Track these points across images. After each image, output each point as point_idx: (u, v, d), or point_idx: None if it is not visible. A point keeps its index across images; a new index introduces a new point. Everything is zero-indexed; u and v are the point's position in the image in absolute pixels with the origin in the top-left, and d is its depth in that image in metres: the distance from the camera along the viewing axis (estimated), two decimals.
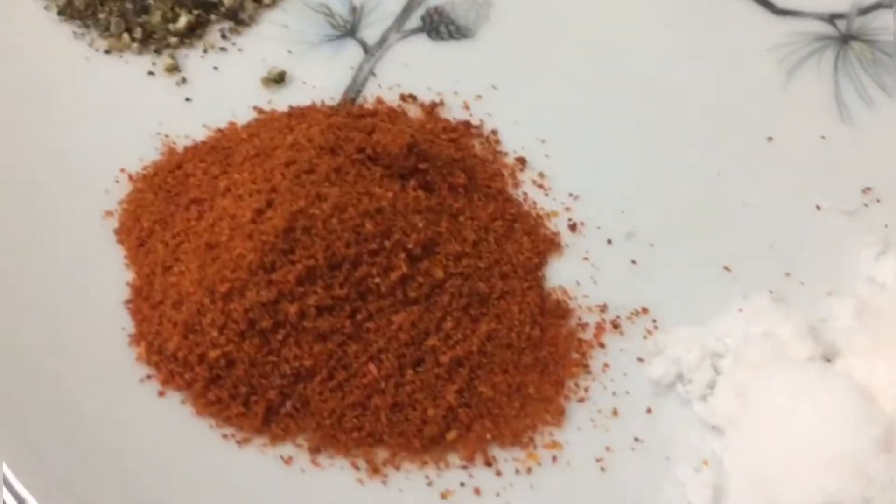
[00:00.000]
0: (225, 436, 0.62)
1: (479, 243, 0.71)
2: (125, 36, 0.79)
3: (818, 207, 0.76)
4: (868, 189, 0.77)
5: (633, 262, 0.73)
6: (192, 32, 0.81)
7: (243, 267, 0.62)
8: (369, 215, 0.66)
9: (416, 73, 0.81)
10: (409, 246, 0.66)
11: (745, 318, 0.68)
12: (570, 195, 0.76)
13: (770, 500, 0.58)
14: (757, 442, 0.60)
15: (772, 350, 0.63)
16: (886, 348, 0.60)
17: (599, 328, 0.70)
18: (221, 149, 0.71)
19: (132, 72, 0.79)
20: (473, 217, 0.72)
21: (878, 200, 0.76)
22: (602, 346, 0.69)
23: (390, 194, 0.67)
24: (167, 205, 0.68)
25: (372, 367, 0.63)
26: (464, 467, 0.64)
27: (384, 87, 0.80)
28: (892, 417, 0.59)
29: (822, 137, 0.80)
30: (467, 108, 0.80)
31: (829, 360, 0.64)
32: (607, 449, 0.65)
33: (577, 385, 0.67)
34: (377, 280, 0.65)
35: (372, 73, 0.81)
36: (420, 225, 0.68)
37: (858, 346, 0.62)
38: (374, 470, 0.62)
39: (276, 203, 0.64)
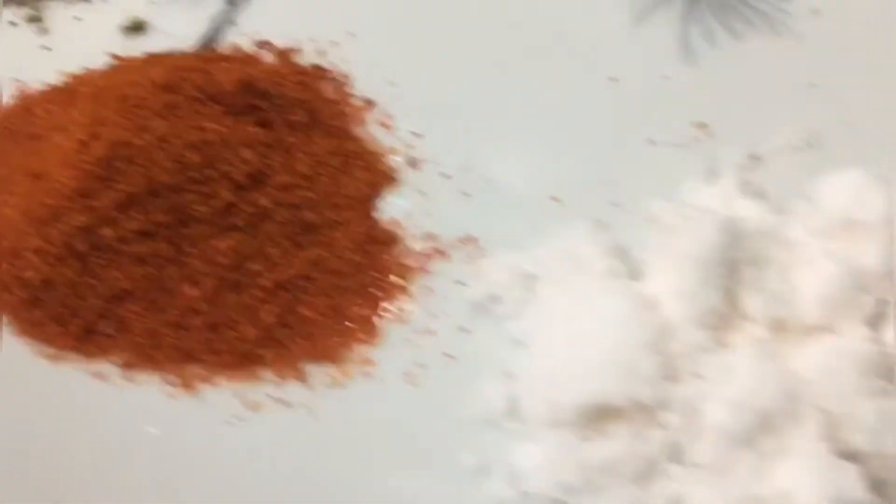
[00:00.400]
0: (42, 354, 0.66)
1: (313, 177, 0.74)
2: None
3: (651, 142, 0.80)
4: (702, 124, 0.80)
5: (466, 194, 0.77)
6: None
7: (62, 193, 0.66)
8: (195, 147, 0.69)
9: (275, 22, 0.84)
10: (236, 177, 0.70)
11: (561, 242, 0.71)
12: (413, 134, 0.80)
13: (552, 403, 0.61)
14: (547, 352, 0.63)
15: (574, 267, 0.66)
16: (674, 260, 0.63)
17: (425, 255, 0.73)
18: (69, 91, 0.75)
19: None
20: (310, 152, 0.75)
21: (710, 135, 0.80)
22: (426, 271, 0.73)
23: (219, 128, 0.71)
24: (9, 142, 0.72)
25: (190, 288, 0.67)
26: (276, 383, 0.67)
27: (243, 36, 0.84)
28: (667, 322, 0.62)
29: (665, 77, 0.83)
30: (323, 54, 0.84)
31: (634, 279, 0.68)
32: (418, 365, 0.69)
33: (397, 307, 0.71)
34: (201, 208, 0.68)
35: (232, 21, 0.85)
36: (249, 157, 0.71)
37: (655, 262, 0.65)
38: (186, 385, 0.66)
39: (102, 134, 0.68)
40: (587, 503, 0.60)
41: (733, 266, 0.63)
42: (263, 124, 0.74)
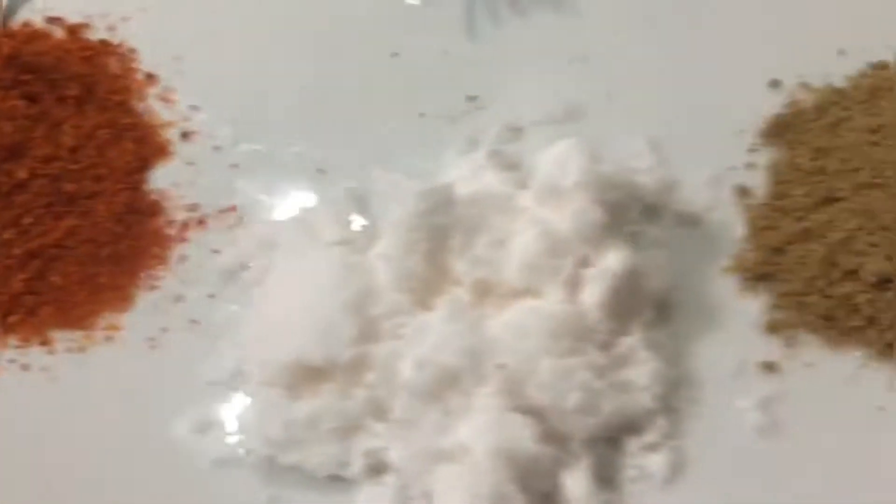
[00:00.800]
0: None
1: (78, 149, 0.76)
2: None
3: (422, 115, 0.82)
4: (473, 97, 0.82)
5: (235, 165, 0.79)
6: None
7: None
8: None
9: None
10: None
11: (305, 212, 0.73)
12: (192, 107, 0.82)
13: (263, 364, 0.64)
14: (264, 316, 0.66)
15: (308, 236, 0.69)
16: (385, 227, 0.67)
17: (185, 225, 0.75)
18: None
19: None
20: (78, 125, 0.77)
21: (479, 108, 0.82)
22: (185, 240, 0.75)
23: None
24: None
25: None
26: (18, 347, 0.70)
27: (37, 13, 0.86)
28: (371, 286, 0.65)
29: (445, 53, 0.86)
30: (113, 29, 0.86)
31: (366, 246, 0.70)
32: (163, 330, 0.71)
33: (151, 275, 0.73)
34: None
35: None
36: (7, 130, 0.74)
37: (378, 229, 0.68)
38: None
39: None
40: (292, 457, 0.63)
41: (443, 233, 0.65)
42: (30, 98, 0.77)
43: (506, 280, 0.64)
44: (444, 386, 0.61)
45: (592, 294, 0.64)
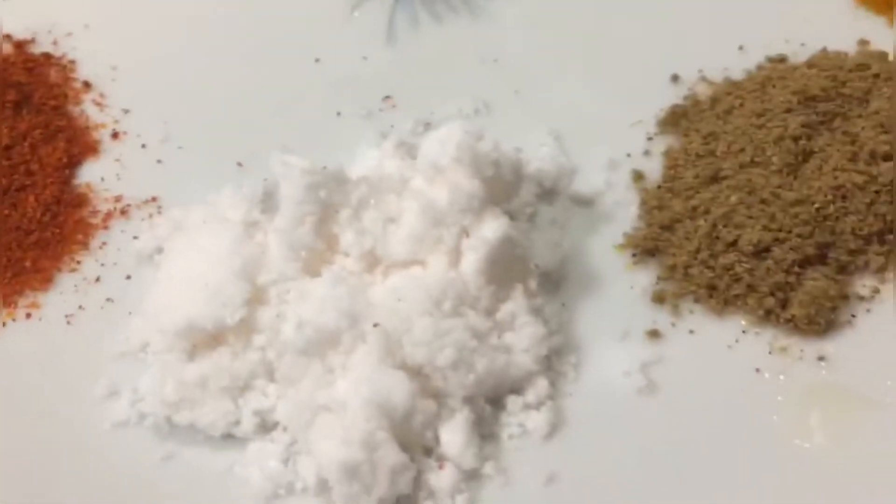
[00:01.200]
0: None
1: (12, 147, 0.82)
2: None
3: (338, 114, 0.86)
4: (389, 97, 0.87)
5: (160, 161, 0.84)
6: None
7: None
8: None
9: (17, 17, 0.93)
10: None
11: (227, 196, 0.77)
12: (124, 111, 0.87)
13: (161, 331, 0.67)
14: (164, 288, 0.70)
15: (212, 218, 0.73)
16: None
17: (109, 214, 0.80)
18: None
19: None
20: (13, 127, 0.83)
21: (393, 106, 0.86)
22: (107, 228, 0.79)
23: None
24: None
25: None
26: None
27: None
28: (258, 254, 0.68)
29: (365, 58, 0.90)
30: (56, 42, 0.91)
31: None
32: (80, 307, 0.75)
33: (74, 259, 0.78)
34: None
35: None
36: None
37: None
38: None
39: None
40: (186, 417, 0.66)
41: (333, 209, 0.69)
42: None
43: (392, 252, 0.68)
44: (325, 345, 0.64)
45: (470, 262, 0.67)
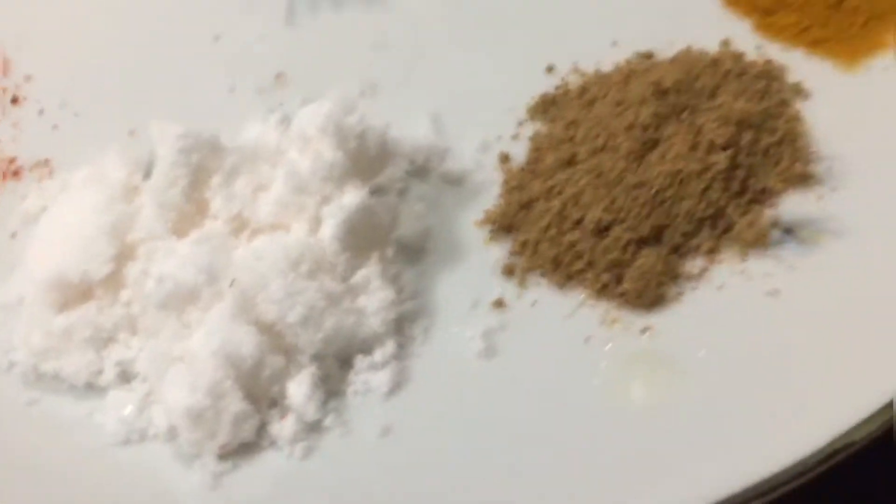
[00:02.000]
0: None
1: None
2: None
3: (232, 90, 0.91)
4: (281, 75, 0.91)
5: (56, 126, 0.88)
6: None
7: None
8: None
9: None
10: None
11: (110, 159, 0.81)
12: (26, 77, 0.91)
13: (33, 283, 0.72)
14: (39, 245, 0.74)
15: (94, 179, 0.77)
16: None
17: (2, 175, 0.85)
18: None
19: None
20: None
21: (284, 84, 0.91)
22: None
23: None
24: None
25: None
26: None
27: None
28: (128, 211, 0.73)
29: (262, 37, 0.94)
30: None
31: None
32: None
33: None
34: None
35: None
36: None
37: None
38: None
39: None
40: (51, 365, 0.70)
41: (206, 174, 0.74)
42: None
43: (259, 217, 0.73)
44: (184, 300, 0.69)
45: (328, 228, 0.72)
